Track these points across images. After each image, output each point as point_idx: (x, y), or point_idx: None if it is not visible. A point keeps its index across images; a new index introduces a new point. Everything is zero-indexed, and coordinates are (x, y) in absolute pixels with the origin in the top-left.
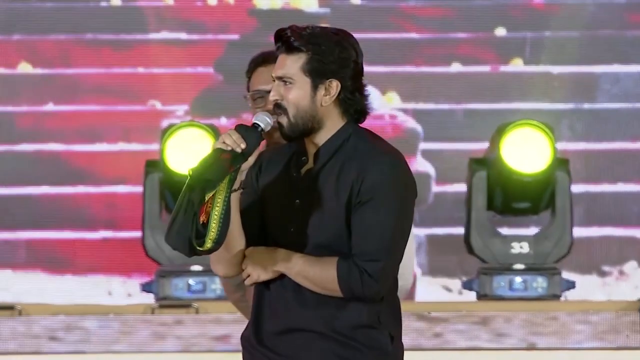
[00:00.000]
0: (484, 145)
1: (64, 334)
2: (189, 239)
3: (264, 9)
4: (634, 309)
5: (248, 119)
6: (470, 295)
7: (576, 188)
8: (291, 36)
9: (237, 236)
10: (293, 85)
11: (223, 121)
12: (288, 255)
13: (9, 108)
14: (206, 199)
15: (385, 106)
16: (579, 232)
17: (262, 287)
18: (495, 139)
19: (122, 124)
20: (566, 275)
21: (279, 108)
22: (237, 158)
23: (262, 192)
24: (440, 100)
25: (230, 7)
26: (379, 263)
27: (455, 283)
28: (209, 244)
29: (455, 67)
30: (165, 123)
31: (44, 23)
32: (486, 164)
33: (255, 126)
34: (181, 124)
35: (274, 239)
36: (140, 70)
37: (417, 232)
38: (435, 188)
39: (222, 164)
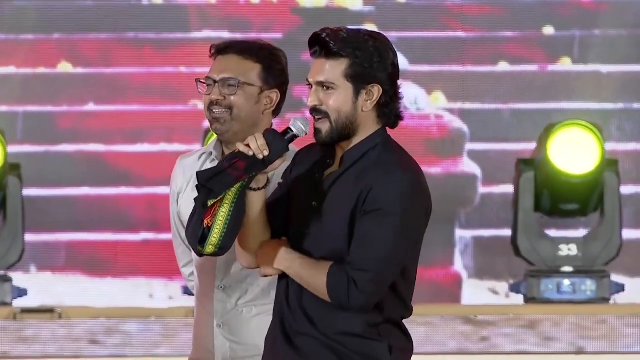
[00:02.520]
0: (532, 145)
1: (105, 337)
2: (197, 240)
3: (308, 7)
4: None
5: (292, 119)
6: (518, 299)
7: (626, 189)
8: (330, 41)
9: (262, 229)
10: (335, 91)
11: None
12: (288, 254)
13: (49, 108)
14: (209, 204)
15: (431, 106)
16: (628, 234)
17: (284, 282)
18: (542, 139)
19: (163, 124)
20: (615, 278)
21: (318, 113)
22: (256, 165)
23: (291, 188)
24: (487, 100)
25: (274, 6)
26: (368, 274)
27: (503, 286)
28: (209, 249)
29: (502, 67)
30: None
31: (85, 22)
32: (533, 165)
33: (288, 131)
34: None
35: (291, 237)
36: (182, 69)
37: (463, 234)
38: (482, 189)
39: (231, 174)
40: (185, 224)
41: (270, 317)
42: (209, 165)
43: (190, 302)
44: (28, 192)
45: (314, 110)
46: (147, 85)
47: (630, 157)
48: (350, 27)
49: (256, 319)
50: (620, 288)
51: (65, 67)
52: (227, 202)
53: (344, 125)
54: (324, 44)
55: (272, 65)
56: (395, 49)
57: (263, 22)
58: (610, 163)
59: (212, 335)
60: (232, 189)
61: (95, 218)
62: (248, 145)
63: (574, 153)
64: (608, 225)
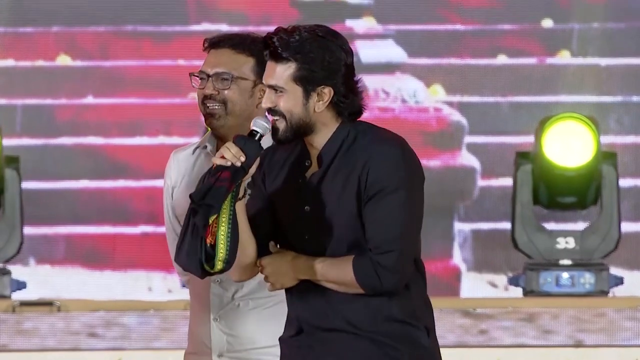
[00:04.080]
0: (530, 138)
1: (104, 330)
2: (200, 261)
3: (306, 1)
4: None
5: None
6: (517, 292)
7: (624, 182)
8: (278, 45)
9: (246, 242)
10: (284, 94)
11: None
12: (308, 261)
13: (48, 101)
14: (210, 221)
15: (429, 99)
16: (627, 227)
17: (292, 289)
18: (538, 132)
19: (162, 117)
20: (614, 271)
21: (275, 113)
22: (238, 172)
23: (271, 196)
24: (486, 93)
25: None
26: (393, 254)
27: (501, 279)
28: (219, 266)
29: (501, 59)
30: None
31: (83, 15)
32: (531, 158)
33: (254, 133)
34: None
35: (289, 245)
36: (181, 62)
37: (462, 227)
38: (481, 182)
39: (221, 186)
40: (179, 218)
41: (267, 310)
42: (203, 158)
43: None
44: (27, 185)
45: (270, 111)
46: (146, 78)
47: (629, 150)
48: (302, 24)
49: (253, 312)
50: (619, 281)
51: (64, 60)
52: (224, 215)
53: (298, 125)
54: (273, 48)
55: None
56: (350, 48)
57: (261, 15)
58: (608, 156)
59: (209, 329)
60: (226, 201)
61: (94, 211)
62: (223, 157)
63: (568, 146)
64: (606, 218)
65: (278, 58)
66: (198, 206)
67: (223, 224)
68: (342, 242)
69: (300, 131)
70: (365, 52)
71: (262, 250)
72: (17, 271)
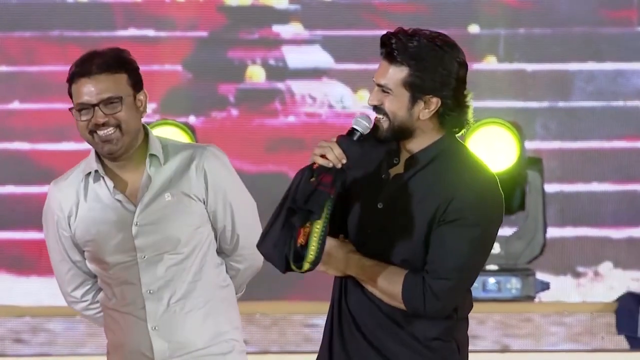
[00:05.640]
0: None
1: (30, 336)
2: (286, 257)
3: (233, 6)
4: (610, 310)
5: (217, 117)
6: None
7: (550, 188)
8: (396, 48)
9: None
10: (391, 96)
11: (192, 120)
12: (362, 260)
13: None
14: (307, 225)
15: (356, 104)
16: (553, 232)
17: (339, 281)
18: (462, 137)
19: None
20: (540, 276)
21: (380, 111)
22: (339, 175)
23: (350, 188)
24: None
25: (199, 4)
26: (448, 282)
27: None
28: (306, 266)
29: None
30: None
31: (8, 20)
32: None
33: (354, 132)
34: (156, 123)
35: (350, 237)
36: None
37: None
38: None
39: (323, 191)
40: (84, 245)
41: (201, 311)
42: (92, 184)
43: None
44: None
45: (376, 109)
46: None
47: (555, 155)
48: (423, 30)
49: (189, 315)
50: (546, 286)
51: None
52: (319, 219)
53: (400, 129)
54: (390, 49)
55: (134, 68)
56: (465, 61)
57: (188, 20)
58: (533, 161)
59: (148, 339)
60: (325, 206)
61: (20, 216)
62: (324, 157)
63: (491, 151)
64: (531, 223)
65: (392, 60)
66: (298, 209)
67: (317, 227)
68: (400, 251)
69: (401, 134)
70: (292, 57)
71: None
72: None
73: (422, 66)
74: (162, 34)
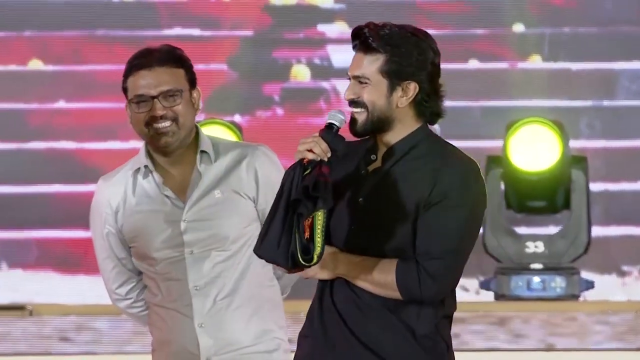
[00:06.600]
0: (501, 143)
1: (75, 334)
2: (292, 253)
3: (278, 5)
4: None
5: (262, 116)
6: (488, 295)
7: (595, 186)
8: (369, 36)
9: None
10: (369, 86)
11: (237, 119)
12: (350, 256)
13: (20, 105)
14: (310, 217)
15: None
16: (598, 231)
17: (324, 285)
18: (505, 137)
19: None
20: (585, 275)
21: (357, 105)
22: (330, 166)
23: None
24: (457, 98)
25: (244, 3)
26: (442, 262)
27: (473, 283)
28: (315, 259)
29: (473, 64)
30: None
31: (56, 19)
32: (501, 162)
33: (333, 126)
34: (204, 122)
35: (333, 235)
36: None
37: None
38: None
39: (326, 181)
40: (131, 241)
41: (248, 309)
42: (141, 180)
43: None
44: None
45: (352, 102)
46: (118, 83)
47: (599, 154)
48: (394, 23)
49: (237, 312)
50: (590, 285)
51: (36, 65)
52: (324, 208)
53: (379, 119)
54: (363, 38)
55: (190, 66)
56: (438, 49)
57: (233, 20)
58: (578, 160)
59: (194, 336)
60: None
61: (66, 215)
62: (312, 151)
63: (532, 150)
64: (575, 222)
65: (368, 49)
66: (307, 199)
67: (319, 218)
68: (387, 243)
69: (379, 126)
70: (337, 56)
71: None
72: None
73: (399, 51)
74: (208, 33)
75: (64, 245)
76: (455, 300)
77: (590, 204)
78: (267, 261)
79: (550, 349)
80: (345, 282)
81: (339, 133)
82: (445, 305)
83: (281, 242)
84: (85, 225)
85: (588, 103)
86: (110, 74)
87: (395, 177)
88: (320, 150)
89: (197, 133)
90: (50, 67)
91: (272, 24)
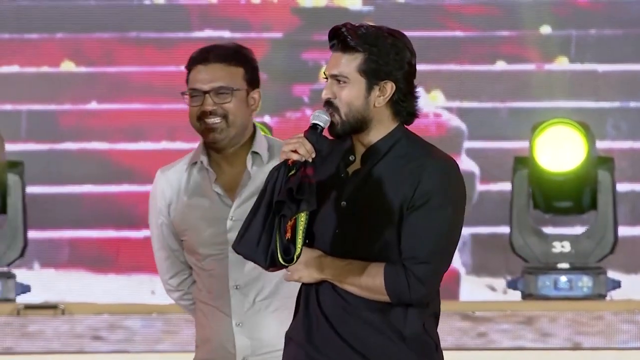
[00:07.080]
0: (528, 144)
1: (108, 333)
2: (272, 253)
3: (308, 7)
4: None
5: (292, 118)
6: (515, 295)
7: (622, 187)
8: (348, 35)
9: None
10: (347, 85)
11: (267, 119)
12: (335, 260)
13: (52, 106)
14: (298, 216)
15: (429, 105)
16: (624, 231)
17: (309, 288)
18: (531, 138)
19: (166, 123)
20: (612, 274)
21: (330, 106)
22: (315, 167)
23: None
24: (485, 99)
25: (274, 6)
26: (429, 266)
27: (500, 282)
28: (295, 260)
29: (500, 65)
30: None
31: (88, 21)
32: (528, 163)
33: (317, 127)
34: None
35: (317, 239)
36: (184, 69)
37: (462, 231)
38: (480, 187)
39: (311, 183)
40: (181, 234)
41: (287, 312)
42: (196, 174)
43: None
44: (32, 189)
45: (327, 103)
46: (149, 84)
47: (626, 155)
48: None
49: (274, 314)
50: (617, 284)
51: (68, 66)
52: (307, 210)
53: (356, 119)
54: (342, 38)
55: (253, 66)
56: (414, 49)
57: (263, 22)
58: (604, 161)
59: (232, 335)
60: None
61: (97, 215)
62: (296, 152)
63: (558, 151)
64: (602, 222)
65: (346, 48)
66: (291, 201)
67: (302, 220)
68: (373, 245)
69: (357, 125)
70: None
71: None
72: (22, 275)
73: (377, 50)
74: (237, 35)
75: (95, 245)
76: (439, 298)
77: (616, 204)
78: (244, 258)
79: (577, 348)
80: (331, 285)
81: (323, 135)
82: (431, 304)
83: (261, 241)
84: (117, 226)
85: (614, 104)
86: (141, 75)
87: (377, 178)
88: (305, 151)
89: (254, 133)
90: (82, 69)
91: (302, 26)
